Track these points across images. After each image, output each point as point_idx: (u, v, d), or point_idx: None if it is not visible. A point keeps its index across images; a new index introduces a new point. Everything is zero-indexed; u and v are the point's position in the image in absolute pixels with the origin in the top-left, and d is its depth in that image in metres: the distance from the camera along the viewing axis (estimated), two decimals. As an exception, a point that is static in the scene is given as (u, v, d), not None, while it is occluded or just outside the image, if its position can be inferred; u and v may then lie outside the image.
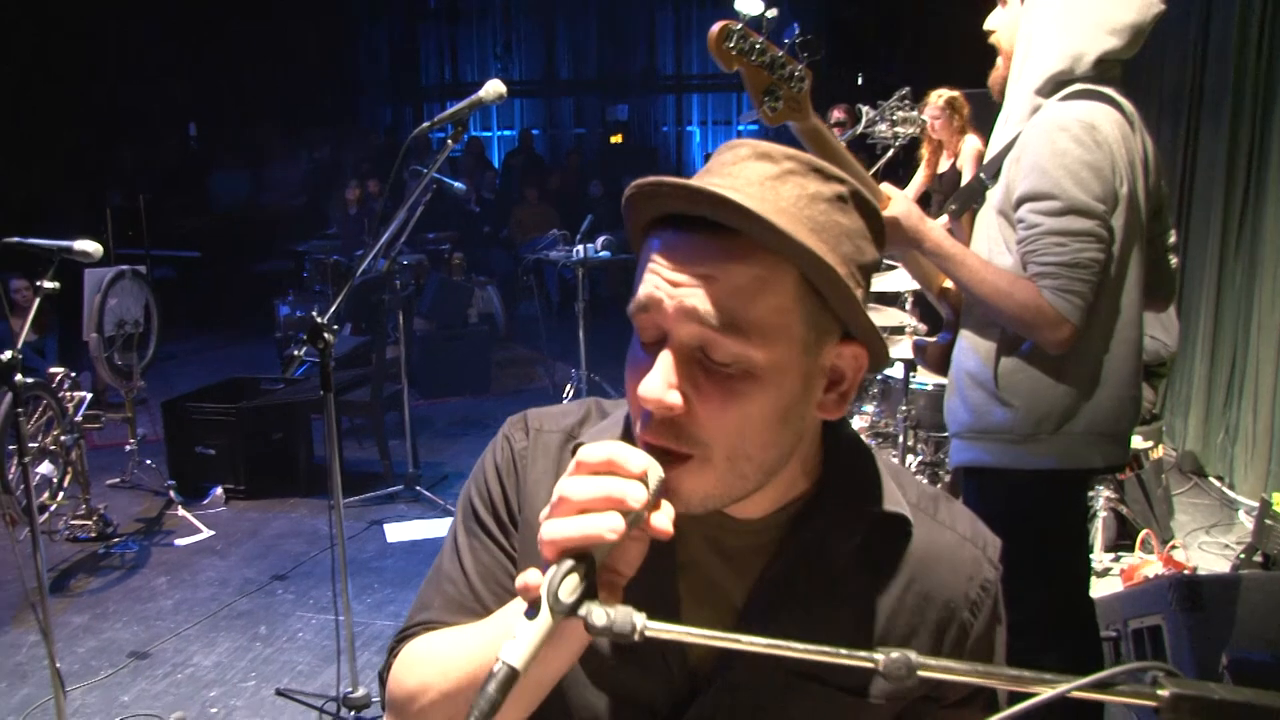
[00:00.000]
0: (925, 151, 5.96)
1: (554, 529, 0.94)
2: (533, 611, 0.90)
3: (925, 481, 1.26)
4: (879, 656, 0.85)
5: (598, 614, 0.89)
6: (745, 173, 1.03)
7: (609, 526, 0.93)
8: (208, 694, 3.91)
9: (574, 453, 1.16)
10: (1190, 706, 0.81)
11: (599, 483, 0.95)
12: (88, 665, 4.13)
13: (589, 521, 0.94)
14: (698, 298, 0.99)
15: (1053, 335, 2.26)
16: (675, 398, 1.00)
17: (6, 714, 3.77)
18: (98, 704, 3.85)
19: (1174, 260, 2.65)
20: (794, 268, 1.00)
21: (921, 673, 0.83)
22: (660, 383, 1.00)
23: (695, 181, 0.98)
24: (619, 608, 0.90)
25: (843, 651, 0.87)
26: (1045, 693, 0.82)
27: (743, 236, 0.98)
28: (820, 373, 1.06)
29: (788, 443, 1.06)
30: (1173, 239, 2.64)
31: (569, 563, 0.92)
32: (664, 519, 0.99)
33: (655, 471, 0.99)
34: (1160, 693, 0.81)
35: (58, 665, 3.14)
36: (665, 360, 1.00)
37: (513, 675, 0.87)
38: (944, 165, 5.98)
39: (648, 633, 0.89)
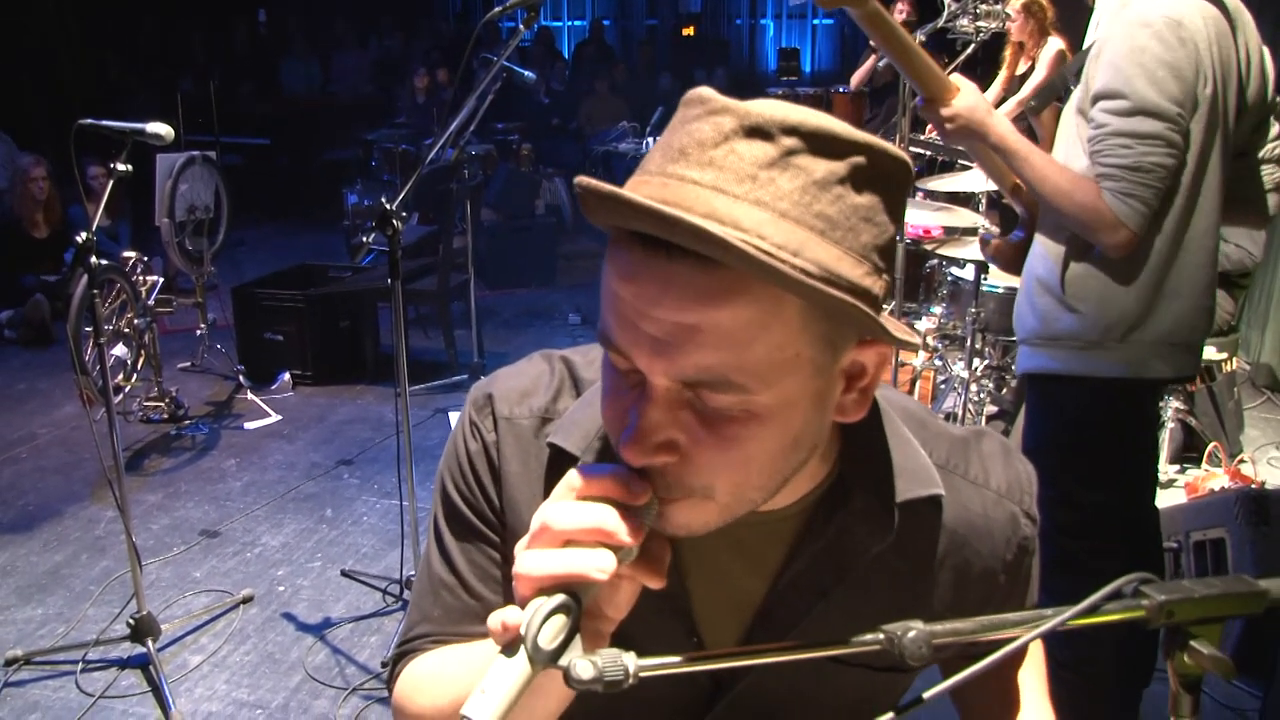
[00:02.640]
0: (1006, 54, 5.77)
1: (533, 563, 0.82)
2: (509, 654, 0.79)
3: (952, 426, 1.16)
4: (887, 636, 0.80)
5: (582, 665, 0.76)
6: (732, 161, 0.80)
7: (597, 565, 0.81)
8: (275, 573, 4.03)
9: (551, 448, 1.08)
10: (1175, 608, 0.80)
11: (589, 512, 0.83)
12: (161, 541, 4.27)
13: (575, 557, 0.81)
14: (680, 350, 0.81)
15: (1110, 239, 2.19)
16: (666, 457, 0.85)
17: (88, 584, 3.93)
18: (171, 578, 3.99)
19: (1270, 174, 2.54)
20: (784, 289, 0.80)
21: (936, 641, 0.80)
22: (646, 444, 0.84)
23: (666, 209, 0.75)
24: (604, 652, 0.77)
25: (851, 640, 0.81)
26: (1039, 628, 0.81)
27: (728, 267, 0.79)
28: (837, 379, 0.90)
29: (800, 460, 0.92)
30: (1276, 152, 2.52)
31: (553, 603, 0.80)
32: (659, 567, 0.87)
33: (654, 502, 0.86)
34: (1144, 602, 0.81)
35: (134, 540, 3.24)
36: (648, 414, 0.84)
37: None
38: (1023, 68, 5.79)
39: (643, 674, 0.77)
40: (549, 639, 0.78)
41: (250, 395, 5.84)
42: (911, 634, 0.79)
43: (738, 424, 0.84)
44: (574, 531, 0.82)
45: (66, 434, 5.45)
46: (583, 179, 0.80)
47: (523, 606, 0.81)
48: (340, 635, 3.61)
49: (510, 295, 8.18)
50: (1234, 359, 4.91)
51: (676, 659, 0.80)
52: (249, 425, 5.57)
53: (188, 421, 5.57)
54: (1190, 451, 4.75)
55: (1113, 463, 2.46)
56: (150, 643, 3.31)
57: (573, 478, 0.86)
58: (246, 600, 3.81)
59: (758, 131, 0.80)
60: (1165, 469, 4.60)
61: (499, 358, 6.46)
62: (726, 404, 0.83)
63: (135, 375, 5.56)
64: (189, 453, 5.24)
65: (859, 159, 0.82)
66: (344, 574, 3.98)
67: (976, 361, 4.77)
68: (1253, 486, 4.07)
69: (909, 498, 1.03)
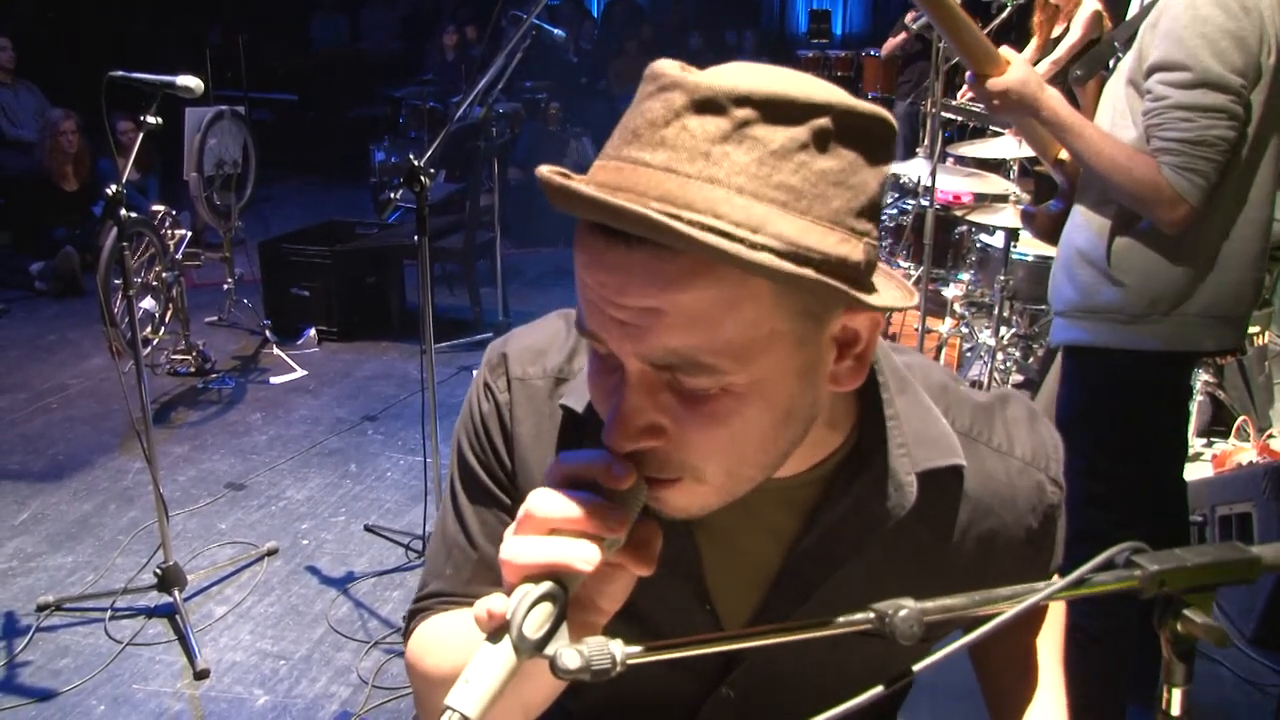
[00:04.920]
0: (1038, 17, 5.65)
1: (517, 550, 0.80)
2: (494, 641, 0.77)
3: (977, 392, 1.14)
4: (877, 614, 0.78)
5: (568, 655, 0.73)
6: (684, 139, 0.77)
7: (581, 556, 0.79)
8: (299, 526, 4.07)
9: (563, 410, 1.08)
10: (1168, 577, 0.80)
11: (571, 502, 0.81)
12: (188, 493, 4.31)
13: (558, 546, 0.80)
14: (646, 339, 0.79)
15: (1169, 214, 2.15)
16: (651, 441, 0.83)
17: (116, 533, 3.98)
18: (197, 530, 4.03)
19: None
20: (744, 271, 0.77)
21: (928, 618, 0.78)
22: (629, 429, 0.82)
23: (612, 200, 0.74)
24: (591, 640, 0.75)
25: (840, 620, 0.79)
26: (1025, 602, 0.80)
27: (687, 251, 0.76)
28: (827, 348, 0.86)
29: (797, 434, 0.89)
30: None
31: (538, 591, 0.78)
32: (647, 555, 0.85)
33: (641, 488, 0.84)
34: (1136, 573, 0.80)
35: (161, 491, 3.28)
36: (628, 398, 0.82)
37: None
38: (1059, 30, 5.69)
39: (630, 660, 0.75)
40: (534, 628, 0.76)
41: (276, 350, 5.86)
42: (903, 613, 0.78)
43: (717, 402, 0.81)
44: (557, 521, 0.81)
45: (96, 385, 5.50)
46: (541, 171, 0.79)
47: (508, 594, 0.79)
48: (363, 589, 3.64)
49: (536, 254, 8.17)
50: (1267, 332, 4.86)
51: (666, 644, 0.78)
52: (275, 380, 5.60)
53: (214, 375, 5.60)
54: (1219, 425, 4.71)
55: (1146, 435, 2.44)
56: (176, 592, 3.35)
57: (563, 461, 0.85)
58: (271, 553, 3.84)
59: (708, 105, 0.77)
60: (1193, 442, 4.57)
61: (524, 316, 6.40)
62: (702, 386, 0.81)
63: (163, 328, 5.59)
64: (215, 406, 5.28)
65: (821, 121, 0.78)
66: (367, 529, 4.01)
67: (1003, 329, 4.74)
68: (1281, 461, 4.03)
69: (928, 468, 1.01)
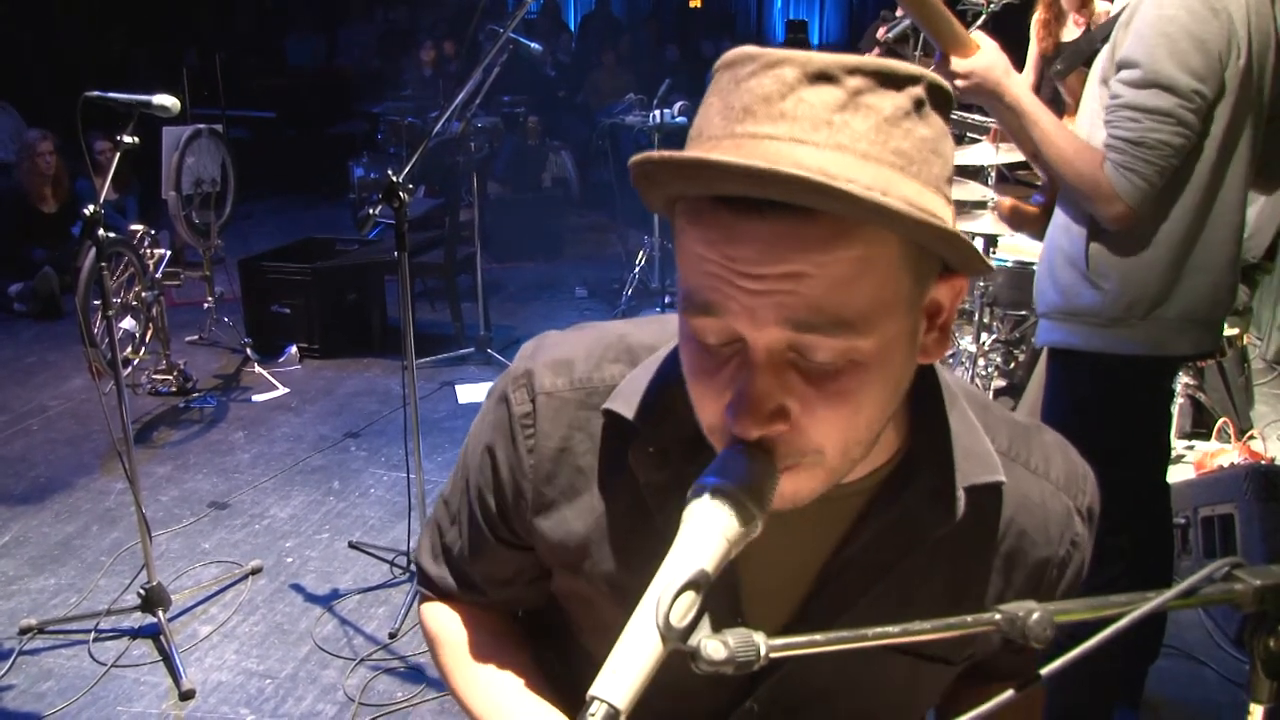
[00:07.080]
0: (1042, 15, 5.16)
1: None
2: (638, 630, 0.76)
3: (1013, 414, 1.14)
4: (1005, 616, 0.76)
5: (712, 646, 0.72)
6: (804, 110, 0.78)
7: None
8: (283, 544, 4.05)
9: (606, 415, 1.05)
10: (1267, 594, 0.78)
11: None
12: (171, 513, 4.29)
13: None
14: (788, 302, 0.79)
15: (1105, 210, 2.16)
16: (780, 425, 0.83)
17: (99, 555, 3.95)
18: (180, 550, 4.00)
19: None
20: (894, 230, 0.80)
21: (1058, 619, 0.77)
22: (760, 413, 0.81)
23: (767, 166, 0.73)
24: (734, 631, 0.73)
25: (968, 619, 0.77)
26: (1137, 610, 0.78)
27: (828, 214, 0.77)
28: (920, 317, 0.88)
29: (894, 406, 0.90)
30: None
31: (682, 580, 0.77)
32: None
33: (775, 474, 0.85)
34: (1238, 588, 0.79)
35: (144, 512, 3.26)
36: (756, 380, 0.82)
37: (614, 718, 0.73)
38: (1072, 34, 5.37)
39: (773, 654, 0.74)
40: (679, 616, 0.75)
41: (258, 368, 5.84)
42: (1035, 615, 0.76)
43: (845, 376, 0.82)
44: None
45: (76, 406, 5.47)
46: (654, 153, 0.78)
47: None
48: (348, 606, 3.62)
49: (517, 268, 8.17)
50: (1245, 335, 4.89)
51: (806, 639, 0.76)
52: (257, 398, 5.58)
53: (196, 394, 5.58)
54: (1200, 427, 4.73)
55: (1129, 438, 2.45)
56: (161, 613, 3.33)
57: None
58: (255, 571, 3.82)
59: (822, 76, 0.79)
60: (1174, 444, 4.59)
61: (505, 331, 6.47)
62: (832, 355, 0.81)
63: (143, 348, 5.56)
64: (197, 425, 5.25)
65: (917, 90, 0.81)
66: (351, 545, 3.99)
67: (984, 336, 4.76)
68: (1262, 462, 4.06)
69: (974, 483, 1.01)
